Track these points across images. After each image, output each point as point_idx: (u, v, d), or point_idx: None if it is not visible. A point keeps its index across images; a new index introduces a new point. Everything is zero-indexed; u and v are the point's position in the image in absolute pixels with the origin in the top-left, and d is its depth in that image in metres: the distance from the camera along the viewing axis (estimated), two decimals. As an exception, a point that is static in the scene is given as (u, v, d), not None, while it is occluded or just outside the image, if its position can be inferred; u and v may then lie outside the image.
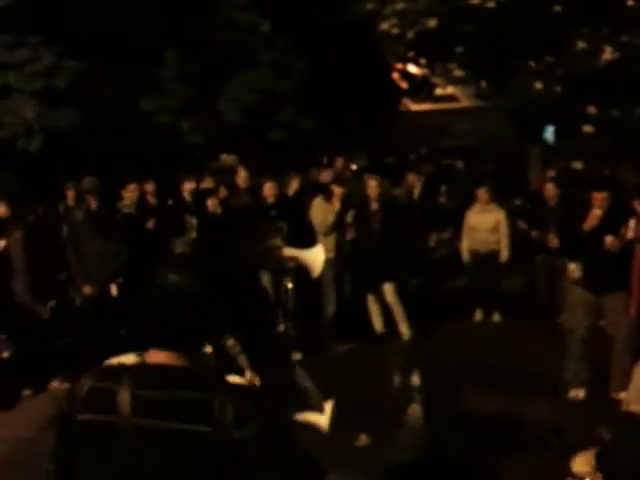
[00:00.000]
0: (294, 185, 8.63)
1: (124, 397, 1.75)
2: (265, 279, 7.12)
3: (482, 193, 8.48)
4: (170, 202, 8.60)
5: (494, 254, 8.42)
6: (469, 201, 8.77)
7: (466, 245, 8.59)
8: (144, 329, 1.88)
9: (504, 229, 8.43)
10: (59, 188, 7.78)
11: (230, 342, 5.49)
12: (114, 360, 2.03)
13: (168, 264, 1.96)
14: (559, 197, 8.15)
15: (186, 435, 1.73)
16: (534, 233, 8.40)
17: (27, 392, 6.62)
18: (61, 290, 6.91)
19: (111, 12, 10.52)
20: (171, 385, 1.78)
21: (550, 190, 8.30)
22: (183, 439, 1.73)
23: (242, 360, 4.80)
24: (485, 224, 8.47)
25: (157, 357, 1.83)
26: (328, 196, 8.18)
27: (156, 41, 11.24)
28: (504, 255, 8.40)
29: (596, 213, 5.68)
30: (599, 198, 5.71)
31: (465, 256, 8.61)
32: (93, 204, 7.59)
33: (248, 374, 3.14)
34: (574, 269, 5.84)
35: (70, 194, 7.84)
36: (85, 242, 7.06)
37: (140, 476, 1.76)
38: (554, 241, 7.62)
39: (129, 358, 1.96)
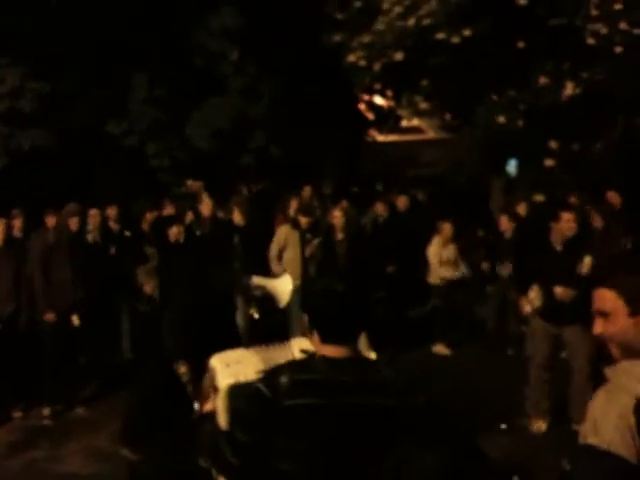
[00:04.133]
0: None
1: (325, 383, 2.18)
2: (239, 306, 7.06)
3: (447, 227, 8.57)
4: (128, 233, 8.40)
5: (458, 284, 8.51)
6: (431, 231, 8.85)
7: (432, 274, 8.65)
8: (319, 329, 2.26)
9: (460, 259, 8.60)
10: (26, 210, 7.60)
11: (182, 369, 5.45)
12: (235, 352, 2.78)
13: (326, 275, 2.53)
14: (514, 229, 8.28)
15: (378, 409, 2.19)
16: (485, 264, 8.54)
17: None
18: (13, 315, 6.74)
19: (79, 34, 10.48)
20: (356, 370, 2.24)
21: (504, 222, 8.43)
22: (376, 412, 2.18)
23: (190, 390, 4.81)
24: (452, 255, 8.57)
25: (335, 350, 2.25)
26: (295, 224, 8.15)
27: (125, 64, 11.22)
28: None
29: (563, 233, 5.73)
30: (567, 218, 5.76)
31: (434, 283, 8.64)
32: (74, 227, 7.37)
33: None
34: (534, 298, 5.86)
35: (49, 218, 7.62)
36: (56, 267, 6.89)
37: (344, 445, 2.16)
38: (506, 270, 7.76)
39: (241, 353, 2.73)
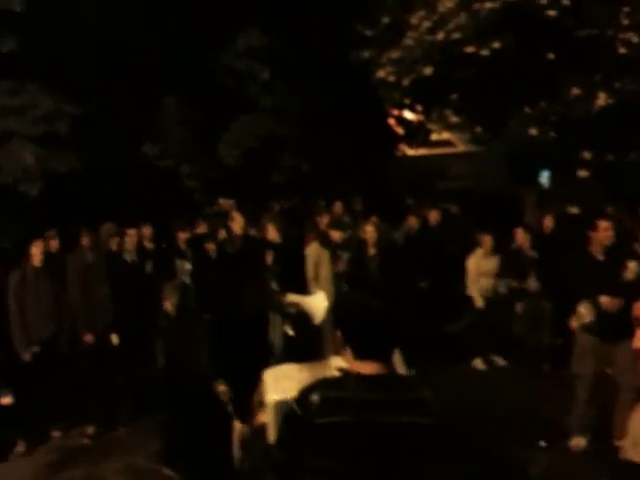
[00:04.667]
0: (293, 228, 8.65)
1: (356, 401, 2.14)
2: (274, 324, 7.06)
3: (487, 239, 8.48)
4: (164, 246, 8.58)
5: (501, 298, 8.39)
6: (467, 245, 8.78)
7: (471, 288, 8.55)
8: (352, 345, 2.24)
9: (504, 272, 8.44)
10: (62, 232, 7.74)
11: (221, 387, 5.46)
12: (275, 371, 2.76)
13: (358, 291, 2.42)
14: (542, 242, 8.17)
15: (412, 427, 2.14)
16: (514, 281, 8.43)
17: (22, 443, 6.50)
18: (53, 336, 6.83)
19: (112, 58, 10.68)
20: (390, 387, 2.21)
21: (520, 236, 8.32)
22: (410, 430, 2.14)
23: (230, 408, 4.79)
24: (492, 269, 8.46)
25: (369, 367, 2.22)
26: (326, 240, 8.16)
27: (157, 86, 11.39)
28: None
29: (601, 242, 5.61)
30: (604, 227, 5.64)
31: (478, 299, 8.53)
32: (114, 246, 7.53)
33: None
34: (585, 313, 5.68)
35: (85, 238, 7.78)
36: (94, 286, 7.00)
37: (376, 463, 2.13)
38: (532, 284, 7.64)
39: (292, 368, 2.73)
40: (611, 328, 5.56)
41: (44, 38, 10.15)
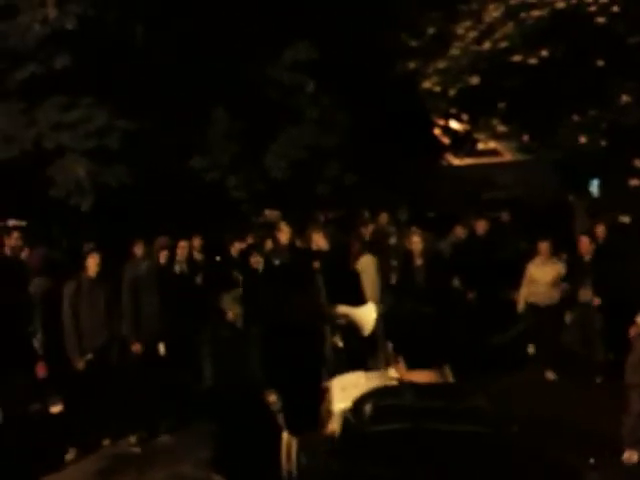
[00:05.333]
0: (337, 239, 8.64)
1: (412, 409, 2.12)
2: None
3: (544, 246, 8.38)
4: (218, 258, 8.72)
5: (553, 308, 8.27)
6: (517, 254, 8.69)
7: (524, 296, 8.45)
8: (407, 354, 2.22)
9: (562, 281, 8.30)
10: (115, 244, 7.93)
11: (272, 398, 5.48)
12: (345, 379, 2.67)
13: (407, 301, 2.42)
14: (595, 251, 8.02)
15: (468, 436, 2.11)
16: (566, 288, 8.27)
17: (73, 451, 6.64)
18: (106, 345, 6.97)
19: (162, 72, 10.88)
20: (445, 395, 2.18)
21: (585, 245, 8.17)
22: (465, 439, 2.11)
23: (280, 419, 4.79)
24: (546, 277, 8.34)
25: (422, 376, 2.20)
26: (376, 251, 8.12)
27: (205, 100, 11.56)
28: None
29: None
30: None
31: (521, 307, 8.45)
32: (163, 259, 7.69)
33: None
34: None
35: (138, 248, 7.96)
36: (145, 297, 7.15)
37: (431, 472, 2.09)
38: (587, 295, 7.49)
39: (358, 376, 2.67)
40: None
41: (96, 55, 10.42)
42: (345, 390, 2.97)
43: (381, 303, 7.40)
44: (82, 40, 10.24)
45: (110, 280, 7.16)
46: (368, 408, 2.16)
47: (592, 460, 5.72)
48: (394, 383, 2.33)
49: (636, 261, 5.73)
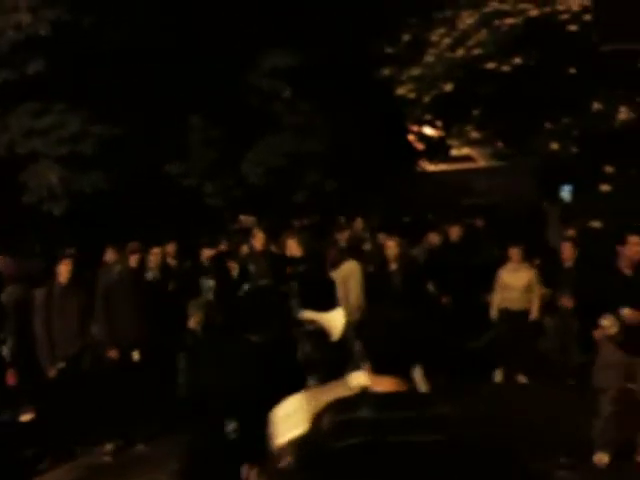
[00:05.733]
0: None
1: (371, 422, 2.06)
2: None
3: (515, 252, 8.44)
4: (188, 264, 8.67)
5: (525, 313, 8.34)
6: (491, 259, 8.75)
7: (496, 302, 8.51)
8: (371, 359, 2.18)
9: (537, 289, 8.37)
10: (87, 250, 7.86)
11: (230, 426, 5.35)
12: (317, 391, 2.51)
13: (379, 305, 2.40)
14: (576, 257, 8.10)
15: (431, 445, 2.05)
16: (546, 294, 8.34)
17: (46, 461, 6.56)
18: (78, 353, 6.90)
19: (137, 78, 10.84)
20: (407, 405, 2.12)
21: (568, 250, 8.26)
22: (429, 449, 2.05)
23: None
24: (518, 283, 8.40)
25: (386, 383, 2.15)
26: (355, 257, 8.10)
27: (183, 106, 11.54)
28: (534, 314, 8.32)
29: (631, 257, 5.54)
30: (634, 242, 5.53)
31: (494, 313, 8.51)
32: (134, 263, 7.58)
33: None
34: (610, 325, 5.57)
35: (110, 254, 7.87)
36: (118, 304, 7.07)
37: None
38: (569, 302, 7.56)
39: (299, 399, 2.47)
40: (636, 342, 5.49)
41: (70, 60, 10.36)
42: (289, 418, 2.76)
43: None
44: (56, 46, 10.18)
45: (83, 287, 7.09)
46: (326, 423, 2.11)
47: (562, 460, 5.78)
48: (353, 393, 2.27)
49: (607, 265, 5.80)
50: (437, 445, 2.06)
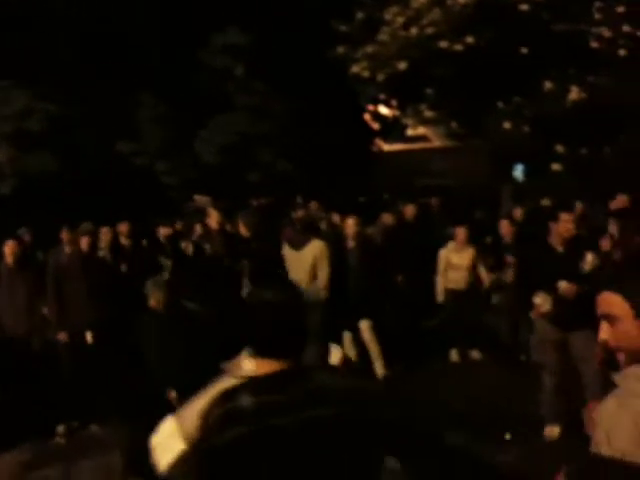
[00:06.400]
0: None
1: (251, 408, 1.98)
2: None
3: (461, 232, 8.49)
4: (144, 243, 8.57)
5: (471, 292, 8.44)
6: (445, 238, 8.82)
7: (442, 284, 8.59)
8: (250, 342, 2.12)
9: (480, 264, 8.47)
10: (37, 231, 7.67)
11: (172, 395, 5.26)
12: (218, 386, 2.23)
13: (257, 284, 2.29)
14: (514, 233, 8.26)
15: (319, 422, 1.99)
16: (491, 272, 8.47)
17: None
18: (27, 335, 6.77)
19: (85, 55, 10.60)
20: (285, 385, 2.04)
21: (505, 227, 8.40)
22: (318, 426, 1.99)
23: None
24: (464, 262, 8.49)
25: (266, 367, 2.07)
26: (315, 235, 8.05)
27: (131, 83, 11.33)
28: (485, 284, 8.44)
29: (562, 234, 5.65)
30: (565, 219, 5.66)
31: (440, 295, 8.60)
32: (85, 245, 7.41)
33: None
34: (542, 303, 5.67)
35: (65, 236, 7.68)
36: (69, 286, 6.92)
37: (292, 470, 1.97)
38: (508, 277, 7.70)
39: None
40: (568, 317, 5.59)
41: (18, 34, 10.06)
42: (164, 442, 2.42)
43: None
44: (3, 19, 9.86)
45: (32, 268, 6.94)
46: (211, 419, 2.03)
47: (508, 436, 5.87)
48: (234, 383, 2.14)
49: (543, 242, 5.89)
50: (321, 420, 2.00)
